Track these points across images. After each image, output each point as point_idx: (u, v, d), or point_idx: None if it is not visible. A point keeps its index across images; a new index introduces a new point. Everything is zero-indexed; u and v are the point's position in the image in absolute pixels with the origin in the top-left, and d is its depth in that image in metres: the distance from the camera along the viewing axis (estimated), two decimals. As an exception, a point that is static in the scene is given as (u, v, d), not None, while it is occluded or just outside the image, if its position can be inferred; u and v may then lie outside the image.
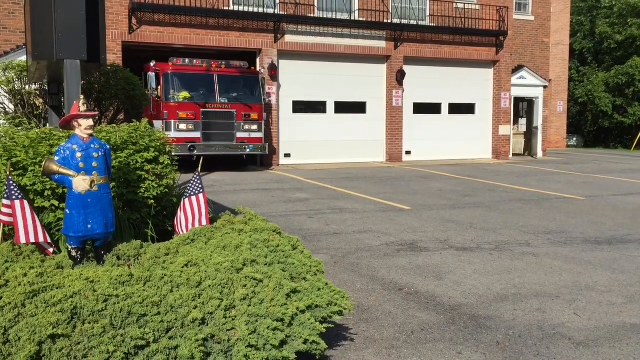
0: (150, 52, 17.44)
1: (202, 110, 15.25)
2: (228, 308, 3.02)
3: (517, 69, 22.48)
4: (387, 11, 19.40)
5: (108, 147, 4.11)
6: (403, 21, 19.47)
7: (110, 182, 4.06)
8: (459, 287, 5.76)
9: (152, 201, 4.95)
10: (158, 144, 5.38)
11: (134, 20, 16.28)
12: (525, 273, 6.30)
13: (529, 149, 23.57)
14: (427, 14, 20.17)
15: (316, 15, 18.45)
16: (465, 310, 5.09)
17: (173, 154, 13.28)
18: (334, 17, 18.59)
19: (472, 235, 8.24)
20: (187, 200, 4.40)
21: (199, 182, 4.62)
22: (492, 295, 5.51)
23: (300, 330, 3.21)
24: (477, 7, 20.71)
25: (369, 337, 4.49)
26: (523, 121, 24.42)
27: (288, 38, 18.13)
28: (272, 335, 3.01)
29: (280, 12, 17.96)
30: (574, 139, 34.83)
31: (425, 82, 20.07)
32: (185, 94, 15.14)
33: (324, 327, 3.37)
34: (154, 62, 15.48)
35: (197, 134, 15.19)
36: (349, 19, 18.80)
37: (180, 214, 4.49)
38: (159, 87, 15.24)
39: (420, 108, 20.24)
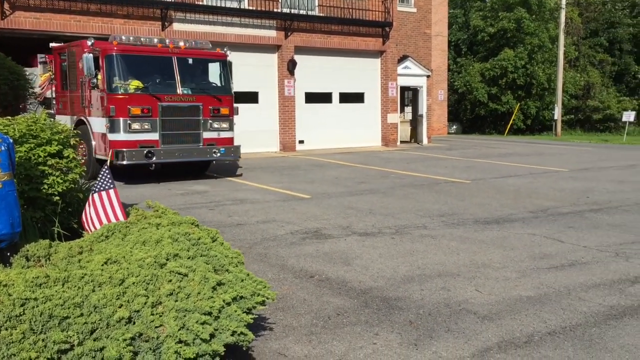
0: (26, 40, 16.22)
1: (160, 104, 11.73)
2: (155, 304, 2.92)
3: (402, 59, 23.32)
4: (276, 0, 19.38)
5: (10, 140, 3.80)
6: (293, 11, 19.54)
7: (14, 178, 3.76)
8: (367, 271, 5.93)
9: (58, 197, 4.65)
10: (61, 137, 5.04)
11: (6, 5, 15.07)
12: (426, 254, 6.59)
13: (415, 136, 24.58)
14: (316, 4, 20.38)
15: (205, 3, 18.06)
16: (376, 293, 5.26)
17: (124, 162, 11.16)
18: (223, 5, 18.29)
19: (372, 220, 8.49)
20: (96, 195, 4.17)
21: (108, 177, 4.39)
22: (399, 277, 5.73)
23: (227, 323, 3.17)
24: (363, -2, 21.20)
25: (287, 325, 4.52)
26: (409, 109, 25.42)
27: (176, 26, 17.60)
28: (202, 329, 2.95)
29: (167, 0, 17.39)
30: (454, 126, 36.78)
31: (316, 72, 20.30)
32: (136, 83, 11.66)
33: (250, 318, 3.35)
34: (92, 41, 11.92)
35: (155, 136, 11.74)
36: (238, 7, 18.58)
37: (89, 210, 4.25)
38: (100, 74, 11.74)
39: (312, 97, 20.46)
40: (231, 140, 12.84)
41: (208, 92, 12.67)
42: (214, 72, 13.19)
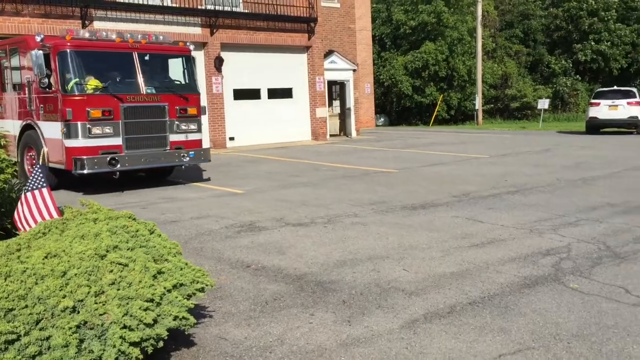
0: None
1: (122, 105, 10.64)
2: (98, 294, 3.04)
3: (328, 53, 23.69)
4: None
5: (-60, 142, 3.77)
6: (217, 7, 19.51)
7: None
8: (301, 259, 6.17)
9: (-10, 198, 4.62)
10: (-9, 137, 4.98)
11: None
12: (357, 240, 6.90)
13: (343, 129, 25.04)
14: (241, 0, 20.41)
15: (126, 1, 17.75)
16: (310, 278, 5.50)
17: (85, 171, 10.28)
18: (146, 2, 18.04)
19: (305, 211, 8.74)
20: (29, 194, 4.19)
21: (40, 175, 4.41)
22: (332, 263, 6.00)
23: (169, 308, 3.33)
24: (288, -6, 21.40)
25: (226, 312, 4.70)
26: (337, 103, 25.85)
27: (97, 24, 17.22)
28: (145, 315, 3.10)
29: (87, -3, 16.98)
30: (382, 118, 37.64)
31: (244, 69, 20.36)
32: (95, 82, 10.55)
33: (191, 303, 3.51)
34: (42, 36, 10.69)
35: (118, 140, 10.64)
36: (161, 4, 18.38)
37: (22, 208, 4.27)
38: (52, 73, 10.52)
39: (241, 94, 20.50)
40: (200, 142, 11.93)
41: (174, 91, 11.62)
42: (177, 68, 12.19)
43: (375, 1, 39.24)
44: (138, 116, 10.88)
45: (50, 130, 10.80)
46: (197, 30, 19.26)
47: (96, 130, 10.43)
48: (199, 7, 19.18)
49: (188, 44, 12.46)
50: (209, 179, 12.38)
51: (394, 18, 39.01)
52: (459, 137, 23.93)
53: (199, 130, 11.90)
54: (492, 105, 40.19)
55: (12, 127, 11.92)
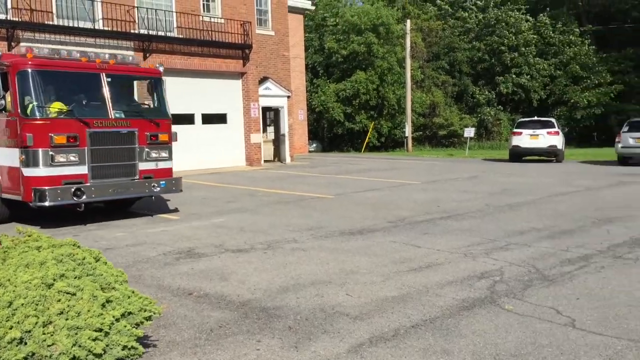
0: None
1: (88, 131, 9.71)
2: (46, 324, 2.95)
3: (263, 80, 23.85)
4: (133, 21, 19.05)
5: None
6: (151, 32, 19.31)
7: None
8: (244, 285, 6.15)
9: None
10: None
11: None
12: (298, 266, 6.95)
13: (278, 154, 25.14)
14: (175, 25, 20.30)
15: (55, 23, 17.31)
16: (255, 304, 5.50)
17: (47, 203, 9.27)
18: (75, 25, 17.64)
19: (244, 237, 8.71)
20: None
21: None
22: (275, 288, 6.01)
23: (118, 338, 3.27)
24: (223, 21, 21.48)
25: (170, 340, 4.62)
26: (271, 129, 25.96)
27: (24, 47, 16.68)
28: (94, 345, 3.03)
29: (14, 19, 16.46)
30: (314, 144, 38.07)
31: (178, 94, 20.13)
32: (58, 105, 9.63)
33: (141, 332, 3.46)
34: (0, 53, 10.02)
35: (83, 169, 9.69)
36: (92, 27, 18.02)
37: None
38: (9, 94, 9.65)
39: (175, 119, 20.14)
40: (170, 171, 11.01)
41: (144, 116, 10.80)
42: (149, 91, 11.45)
43: (308, 30, 39.93)
44: (106, 143, 9.98)
45: (5, 157, 9.83)
46: (130, 54, 18.97)
47: (60, 157, 9.46)
48: (132, 31, 18.93)
49: (157, 65, 11.74)
50: (143, 204, 12.13)
51: (326, 46, 39.76)
52: (390, 163, 24.50)
53: (170, 158, 11.01)
54: (421, 133, 41.44)
55: None
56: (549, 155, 24.43)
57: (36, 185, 9.36)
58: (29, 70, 9.56)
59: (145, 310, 3.68)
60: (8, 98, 9.60)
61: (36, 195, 9.32)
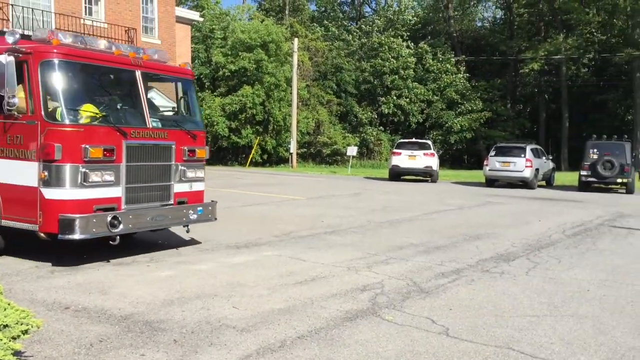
0: None
1: (125, 142, 7.59)
2: None
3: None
4: (7, 19, 17.89)
5: None
6: (26, 32, 18.19)
7: None
8: (126, 299, 5.96)
9: None
10: None
11: None
12: (184, 279, 6.84)
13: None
14: (53, 27, 19.30)
15: None
16: (138, 318, 5.35)
17: (77, 236, 6.97)
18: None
19: (125, 250, 8.41)
20: None
21: None
22: (159, 302, 5.89)
23: (-7, 353, 3.07)
24: (106, 25, 20.74)
25: (47, 356, 4.39)
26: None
27: None
28: (-32, 361, 2.83)
29: None
30: (198, 157, 37.41)
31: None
32: (90, 107, 7.49)
33: (20, 346, 3.28)
34: (17, 36, 7.30)
35: (118, 191, 7.57)
36: (-40, 22, 16.71)
37: None
38: (30, 91, 7.20)
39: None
40: (202, 195, 8.94)
41: (180, 126, 8.65)
42: (183, 96, 9.21)
43: (195, 41, 39.43)
44: (142, 158, 7.84)
45: (13, 172, 7.36)
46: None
47: (94, 176, 7.27)
48: (5, 29, 17.75)
49: (188, 65, 9.86)
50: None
51: (213, 60, 39.47)
52: (275, 179, 24.69)
53: (203, 178, 8.96)
54: (305, 150, 42.15)
55: None
56: (425, 175, 25.78)
57: (63, 211, 7.07)
58: (56, 60, 7.24)
59: (22, 324, 3.48)
60: (20, 94, 7.21)
61: (64, 225, 7.01)
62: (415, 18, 51.33)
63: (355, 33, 49.18)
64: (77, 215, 7.05)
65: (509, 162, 23.13)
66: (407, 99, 45.21)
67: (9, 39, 7.22)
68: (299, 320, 5.42)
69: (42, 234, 7.21)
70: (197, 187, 8.74)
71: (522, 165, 23.05)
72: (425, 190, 21.40)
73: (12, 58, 7.02)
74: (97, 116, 7.46)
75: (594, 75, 47.59)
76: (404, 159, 25.23)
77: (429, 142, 28.04)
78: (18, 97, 7.13)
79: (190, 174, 8.60)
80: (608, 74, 45.71)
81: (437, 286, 6.85)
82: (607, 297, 6.54)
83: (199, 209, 8.63)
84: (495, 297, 6.45)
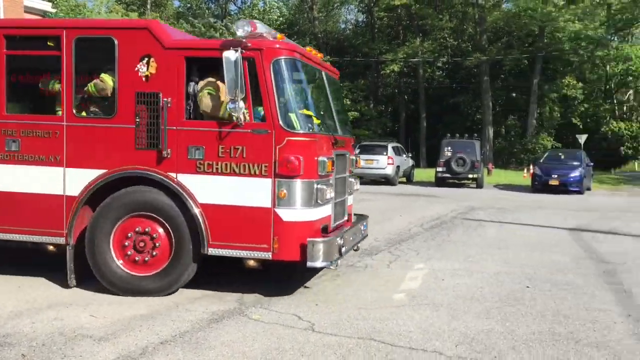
0: None
1: (334, 152, 6.72)
2: None
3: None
4: None
5: None
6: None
7: None
8: (-34, 313, 5.42)
9: None
10: None
11: None
12: (34, 289, 6.35)
13: None
14: None
15: None
16: (-20, 334, 4.88)
17: (318, 264, 5.88)
18: None
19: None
20: None
21: None
22: (6, 314, 5.43)
23: None
24: (-58, 13, 18.76)
25: None
26: None
27: None
28: None
29: None
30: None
31: None
32: (309, 112, 6.46)
33: None
34: (248, 29, 5.88)
35: (329, 209, 6.63)
36: None
37: None
38: (258, 94, 6.05)
39: None
40: (351, 208, 7.97)
41: (349, 132, 7.90)
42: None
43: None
44: (339, 170, 6.98)
45: (227, 190, 6.08)
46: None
47: (326, 193, 6.27)
48: None
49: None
50: None
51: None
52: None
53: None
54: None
55: (57, 180, 6.35)
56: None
57: (303, 235, 6.02)
58: (289, 59, 6.19)
59: None
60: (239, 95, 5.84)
61: (310, 252, 5.90)
62: (281, 18, 51.75)
63: (221, 30, 48.61)
64: (321, 240, 6.02)
65: (372, 160, 24.02)
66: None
67: (240, 31, 5.91)
68: (162, 325, 5.24)
69: (250, 262, 6.16)
70: (350, 200, 7.85)
71: (385, 162, 24.06)
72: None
73: (237, 55, 5.77)
74: (317, 122, 6.57)
75: (448, 78, 50.78)
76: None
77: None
78: (226, 100, 5.97)
79: (355, 186, 7.81)
80: (460, 77, 49.00)
81: (301, 284, 6.93)
82: (459, 285, 7.00)
83: (364, 223, 7.89)
84: (357, 290, 6.66)
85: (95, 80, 6.32)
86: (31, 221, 6.35)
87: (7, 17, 22.94)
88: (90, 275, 6.20)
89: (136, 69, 6.12)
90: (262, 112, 6.04)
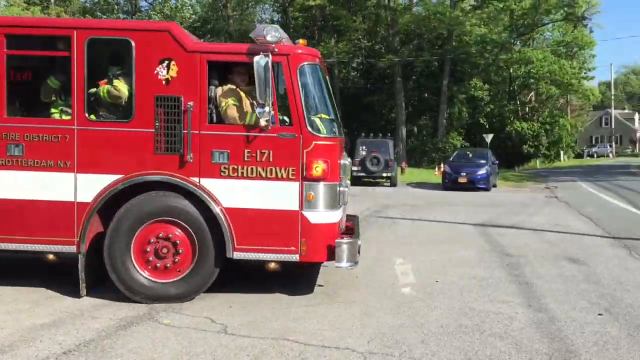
0: None
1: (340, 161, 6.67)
2: None
3: None
4: None
5: None
6: None
7: None
8: None
9: None
10: None
11: None
12: None
13: None
14: None
15: None
16: None
17: (344, 264, 6.05)
18: None
19: None
20: None
21: None
22: None
23: None
24: None
25: None
26: None
27: None
28: None
29: None
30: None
31: None
32: (324, 115, 6.59)
33: None
34: (278, 33, 5.87)
35: (341, 211, 6.80)
36: None
37: None
38: (285, 99, 6.21)
39: None
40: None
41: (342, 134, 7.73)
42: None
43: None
44: (343, 173, 6.86)
45: (253, 193, 6.04)
46: None
47: (346, 196, 6.56)
48: None
49: None
50: None
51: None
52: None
53: None
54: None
55: (67, 186, 6.00)
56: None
57: (328, 236, 6.13)
58: (313, 64, 6.33)
59: None
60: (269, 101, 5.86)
61: (338, 253, 6.05)
62: (194, 16, 50.81)
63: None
64: (346, 241, 6.18)
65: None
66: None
67: (269, 37, 5.85)
68: (66, 334, 5.00)
69: (271, 265, 6.22)
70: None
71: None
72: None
73: (266, 58, 5.75)
74: (339, 126, 6.80)
75: (362, 78, 51.67)
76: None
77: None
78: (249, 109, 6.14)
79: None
80: (374, 77, 49.97)
81: (218, 285, 6.81)
82: (372, 282, 7.12)
83: (357, 223, 7.86)
84: (273, 290, 6.63)
85: (108, 87, 6.05)
86: (36, 229, 5.96)
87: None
88: (-14, 285, 5.82)
89: (155, 72, 5.95)
90: (282, 116, 6.29)
